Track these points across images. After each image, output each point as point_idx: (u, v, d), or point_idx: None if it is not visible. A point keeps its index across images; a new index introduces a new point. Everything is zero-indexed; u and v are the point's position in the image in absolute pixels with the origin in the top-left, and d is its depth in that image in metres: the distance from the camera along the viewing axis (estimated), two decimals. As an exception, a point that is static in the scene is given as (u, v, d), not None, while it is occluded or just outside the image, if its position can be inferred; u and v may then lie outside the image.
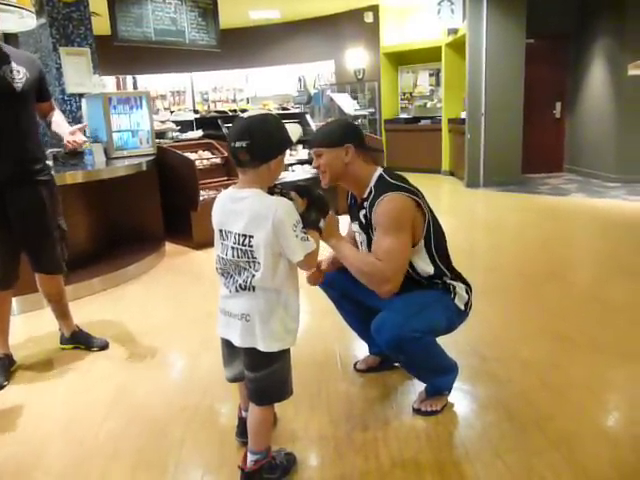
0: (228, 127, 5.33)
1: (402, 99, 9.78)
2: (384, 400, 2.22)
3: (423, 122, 9.16)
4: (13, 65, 2.42)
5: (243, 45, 10.14)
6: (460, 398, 2.20)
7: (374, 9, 9.20)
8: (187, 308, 3.44)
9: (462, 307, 2.07)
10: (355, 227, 2.16)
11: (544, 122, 8.26)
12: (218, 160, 5.05)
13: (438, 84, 9.17)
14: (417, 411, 2.11)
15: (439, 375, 2.13)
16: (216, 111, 6.01)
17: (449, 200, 7.35)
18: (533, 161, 8.03)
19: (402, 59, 9.49)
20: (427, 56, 8.94)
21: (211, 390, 2.33)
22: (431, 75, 9.30)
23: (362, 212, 2.05)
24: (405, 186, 1.98)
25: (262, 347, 1.56)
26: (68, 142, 2.60)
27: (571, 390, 2.23)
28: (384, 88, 9.56)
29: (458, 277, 2.13)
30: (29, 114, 2.53)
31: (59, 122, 2.68)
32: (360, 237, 2.14)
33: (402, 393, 2.27)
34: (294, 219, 1.52)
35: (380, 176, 2.02)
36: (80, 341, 2.86)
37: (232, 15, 8.27)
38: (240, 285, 1.56)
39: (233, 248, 1.54)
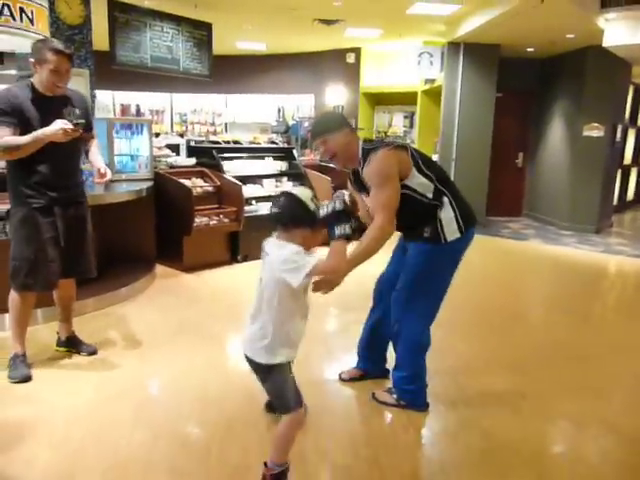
0: (222, 157, 5.60)
1: (377, 137, 10.30)
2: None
3: (396, 161, 9.65)
4: (70, 107, 2.78)
5: (226, 71, 10.43)
6: (442, 419, 2.54)
7: (356, 51, 9.75)
8: (187, 328, 3.65)
9: (457, 235, 2.46)
10: (365, 197, 2.53)
11: (507, 169, 8.92)
12: (210, 188, 5.31)
13: (412, 126, 9.76)
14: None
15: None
16: (210, 141, 6.27)
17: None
18: (496, 205, 8.63)
19: (379, 99, 10.04)
20: (403, 99, 9.51)
21: (227, 406, 2.59)
22: (406, 117, 9.88)
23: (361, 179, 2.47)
24: (379, 143, 2.43)
25: None
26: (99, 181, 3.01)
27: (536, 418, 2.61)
28: (361, 126, 10.06)
29: (451, 192, 2.48)
30: (79, 147, 2.94)
31: (95, 152, 3.08)
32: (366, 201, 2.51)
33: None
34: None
35: (362, 147, 2.45)
36: (73, 345, 3.19)
37: (219, 44, 8.57)
38: None
39: None
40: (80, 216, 2.99)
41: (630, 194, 11.44)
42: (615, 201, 9.79)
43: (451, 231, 2.45)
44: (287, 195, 1.88)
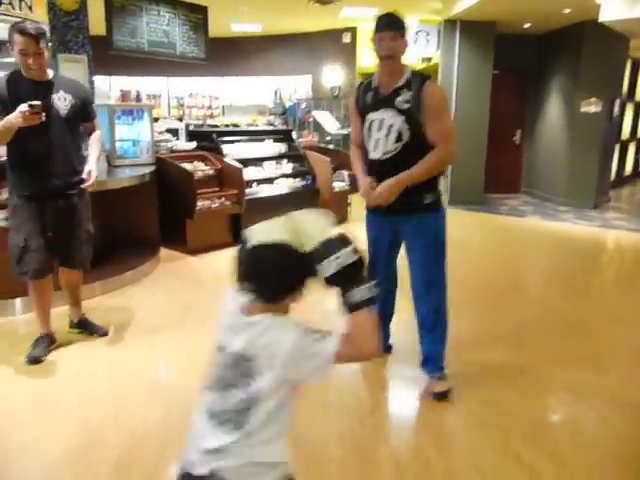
0: (221, 140, 5.64)
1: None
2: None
3: (393, 140, 9.68)
4: (61, 93, 2.78)
5: (222, 54, 10.37)
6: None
7: (352, 31, 9.70)
8: (193, 309, 3.74)
9: (444, 205, 2.62)
10: (380, 114, 2.48)
11: (505, 147, 8.93)
12: (211, 172, 5.36)
13: (409, 105, 9.73)
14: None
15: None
16: (209, 125, 6.30)
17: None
18: (494, 182, 8.66)
19: (376, 79, 10.00)
20: (400, 78, 9.48)
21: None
22: (403, 96, 9.86)
23: (399, 98, 2.43)
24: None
25: None
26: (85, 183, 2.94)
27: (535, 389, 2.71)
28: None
29: None
30: (74, 135, 2.91)
31: (91, 147, 3.03)
32: (390, 121, 2.44)
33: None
34: None
35: (412, 72, 2.49)
36: (85, 327, 3.29)
37: (215, 26, 8.54)
38: None
39: None
40: (70, 209, 2.92)
41: (628, 169, 11.48)
42: (613, 176, 9.85)
43: (443, 201, 2.64)
44: (265, 249, 1.14)
